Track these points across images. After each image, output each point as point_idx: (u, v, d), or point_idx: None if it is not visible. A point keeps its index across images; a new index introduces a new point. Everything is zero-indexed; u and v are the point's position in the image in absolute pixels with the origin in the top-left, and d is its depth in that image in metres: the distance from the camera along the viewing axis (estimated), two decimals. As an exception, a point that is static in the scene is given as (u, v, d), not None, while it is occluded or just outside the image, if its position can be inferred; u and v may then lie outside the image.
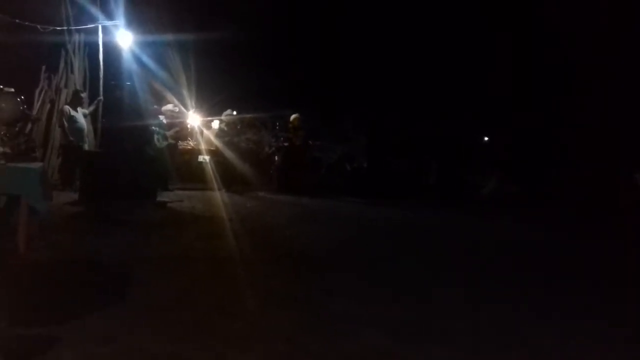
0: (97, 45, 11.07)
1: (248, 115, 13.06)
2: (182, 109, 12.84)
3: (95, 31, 11.06)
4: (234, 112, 12.91)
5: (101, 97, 10.74)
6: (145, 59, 12.34)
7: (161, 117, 11.35)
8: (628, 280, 5.05)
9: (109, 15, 11.11)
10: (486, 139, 18.60)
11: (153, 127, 10.76)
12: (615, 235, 8.01)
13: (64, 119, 9.82)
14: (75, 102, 10.26)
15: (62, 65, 11.54)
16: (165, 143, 11.01)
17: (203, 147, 12.54)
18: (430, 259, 5.63)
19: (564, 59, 14.73)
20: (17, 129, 10.31)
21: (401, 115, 16.00)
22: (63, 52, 11.57)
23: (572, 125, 14.41)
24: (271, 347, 2.85)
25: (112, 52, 11.29)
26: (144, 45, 12.14)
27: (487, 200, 12.92)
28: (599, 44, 13.71)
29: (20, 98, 10.38)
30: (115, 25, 11.11)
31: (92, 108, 10.69)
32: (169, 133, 11.25)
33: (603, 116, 13.66)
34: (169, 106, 12.00)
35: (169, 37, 13.81)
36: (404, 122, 15.82)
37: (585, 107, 14.09)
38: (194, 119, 13.48)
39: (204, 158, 12.23)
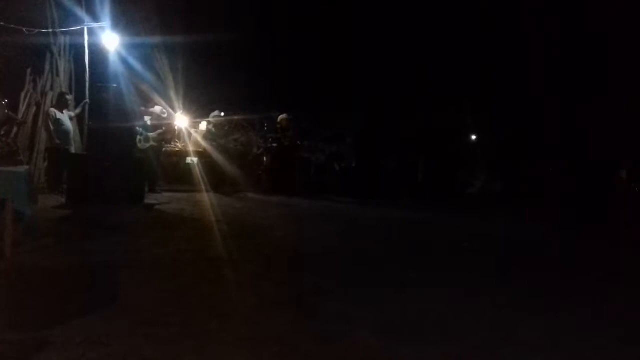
0: (83, 47, 10.97)
1: (236, 117, 13.02)
2: (170, 110, 12.74)
3: (80, 33, 10.96)
4: (222, 114, 12.84)
5: (87, 100, 10.64)
6: (132, 60, 12.23)
7: (147, 119, 11.26)
8: (627, 278, 5.08)
9: (95, 17, 11.01)
10: (474, 137, 18.70)
11: (137, 128, 10.68)
12: (613, 233, 8.10)
13: (49, 122, 9.71)
14: (61, 105, 10.15)
15: (47, 67, 11.44)
16: (147, 144, 10.90)
17: (191, 148, 12.45)
18: (424, 258, 5.63)
19: (564, 59, 14.85)
20: (2, 132, 10.22)
21: (393, 114, 16.02)
22: (48, 55, 11.46)
23: (566, 124, 14.54)
24: (264, 348, 2.85)
25: (98, 54, 11.18)
26: (131, 47, 12.02)
27: (477, 198, 12.99)
28: (598, 43, 13.83)
29: (5, 101, 10.27)
30: (101, 27, 11.01)
31: (78, 110, 10.58)
32: (152, 135, 11.16)
33: (599, 116, 13.80)
34: (157, 109, 11.90)
35: (156, 38, 13.71)
36: (395, 122, 15.84)
37: (581, 107, 14.22)
38: (181, 120, 13.39)
39: (192, 160, 12.14)
